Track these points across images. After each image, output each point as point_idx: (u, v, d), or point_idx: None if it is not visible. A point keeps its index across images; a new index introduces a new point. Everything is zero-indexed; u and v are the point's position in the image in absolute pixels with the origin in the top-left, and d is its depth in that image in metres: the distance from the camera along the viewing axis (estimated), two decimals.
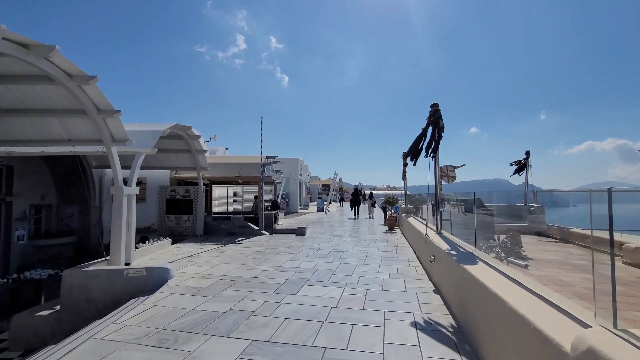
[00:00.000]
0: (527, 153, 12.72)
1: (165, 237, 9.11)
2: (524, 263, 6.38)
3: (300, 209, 28.62)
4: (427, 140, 6.11)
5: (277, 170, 15.59)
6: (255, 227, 11.58)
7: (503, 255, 7.21)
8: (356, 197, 20.80)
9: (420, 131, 6.43)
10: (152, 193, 12.13)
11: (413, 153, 6.24)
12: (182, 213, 11.22)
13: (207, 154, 11.27)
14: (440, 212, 6.38)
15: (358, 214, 19.87)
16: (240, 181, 12.06)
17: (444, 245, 5.09)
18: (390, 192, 47.82)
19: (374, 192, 28.86)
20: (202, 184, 11.10)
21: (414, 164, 6.70)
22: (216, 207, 16.86)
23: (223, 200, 17.63)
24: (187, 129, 9.10)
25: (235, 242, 9.79)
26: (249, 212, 13.08)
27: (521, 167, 13.04)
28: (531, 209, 12.11)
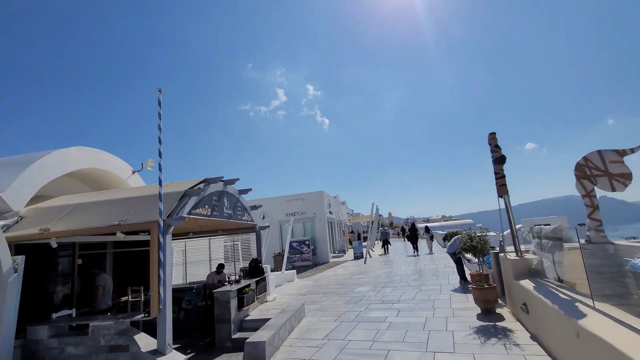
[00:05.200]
0: None
1: None
2: None
3: (334, 256, 21.43)
4: None
5: (255, 207, 8.91)
6: (148, 340, 4.71)
7: None
8: (413, 233, 19.54)
9: None
10: None
11: None
12: None
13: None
14: None
15: (417, 249, 18.97)
16: (121, 232, 5.36)
17: None
18: (451, 224, 37.45)
19: (428, 225, 25.95)
20: None
21: None
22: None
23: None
24: None
25: None
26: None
27: None
28: None
